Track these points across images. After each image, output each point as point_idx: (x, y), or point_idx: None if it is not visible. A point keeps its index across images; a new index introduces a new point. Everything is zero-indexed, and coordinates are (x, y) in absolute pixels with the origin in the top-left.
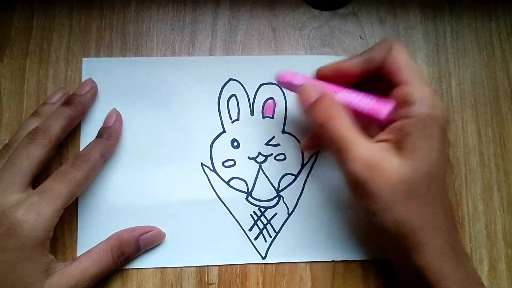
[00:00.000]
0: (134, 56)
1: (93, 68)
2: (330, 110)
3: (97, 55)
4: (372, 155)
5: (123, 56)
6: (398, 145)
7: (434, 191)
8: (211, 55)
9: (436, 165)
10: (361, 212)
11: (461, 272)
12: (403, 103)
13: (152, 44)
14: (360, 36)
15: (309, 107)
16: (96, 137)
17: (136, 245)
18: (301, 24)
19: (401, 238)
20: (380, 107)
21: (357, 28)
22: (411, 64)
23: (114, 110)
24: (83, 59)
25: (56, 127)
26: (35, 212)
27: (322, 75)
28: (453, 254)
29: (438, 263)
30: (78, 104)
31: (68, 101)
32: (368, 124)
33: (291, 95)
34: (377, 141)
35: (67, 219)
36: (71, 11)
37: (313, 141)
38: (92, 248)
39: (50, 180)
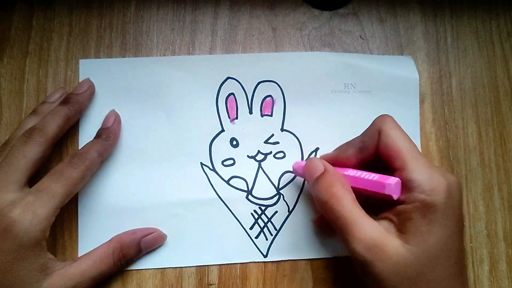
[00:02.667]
0: (134, 56)
1: (90, 69)
2: (332, 186)
3: (97, 55)
4: (374, 235)
5: (123, 56)
6: (400, 227)
7: (440, 276)
8: (212, 55)
9: (438, 251)
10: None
11: None
12: (402, 189)
13: (152, 44)
14: (360, 36)
15: (314, 182)
16: (95, 137)
17: (137, 247)
18: (301, 24)
19: None
20: (385, 183)
21: (357, 28)
22: (404, 146)
23: (113, 111)
24: (80, 60)
25: (52, 126)
26: (31, 212)
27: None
28: None
29: None
30: (75, 103)
31: (65, 100)
32: (375, 202)
33: (290, 92)
34: (380, 219)
35: (67, 219)
36: (71, 11)
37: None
38: (93, 249)
39: (46, 179)
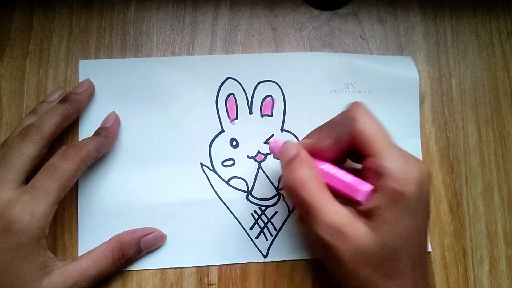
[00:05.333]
0: (134, 57)
1: (90, 70)
2: (297, 171)
3: (97, 55)
4: (338, 219)
5: (123, 56)
6: (367, 213)
7: (404, 266)
8: (211, 55)
9: (405, 241)
10: (330, 272)
11: None
12: (373, 175)
13: (152, 44)
14: (360, 36)
15: (284, 165)
16: (93, 135)
17: (137, 247)
18: (301, 24)
19: None
20: (358, 189)
21: (357, 28)
22: (378, 132)
23: (113, 113)
24: (80, 61)
25: (49, 124)
26: (28, 211)
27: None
28: None
29: None
30: (74, 101)
31: (64, 99)
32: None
33: (290, 93)
34: (348, 203)
35: (67, 219)
36: (71, 11)
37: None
38: (93, 249)
39: (40, 175)
